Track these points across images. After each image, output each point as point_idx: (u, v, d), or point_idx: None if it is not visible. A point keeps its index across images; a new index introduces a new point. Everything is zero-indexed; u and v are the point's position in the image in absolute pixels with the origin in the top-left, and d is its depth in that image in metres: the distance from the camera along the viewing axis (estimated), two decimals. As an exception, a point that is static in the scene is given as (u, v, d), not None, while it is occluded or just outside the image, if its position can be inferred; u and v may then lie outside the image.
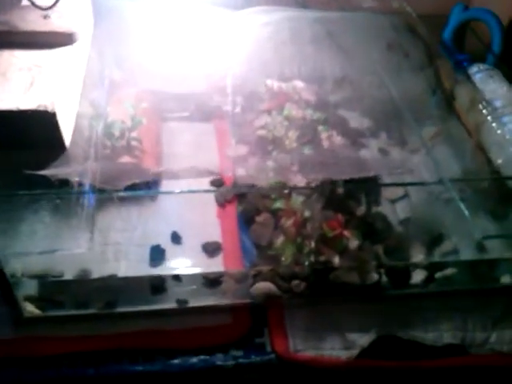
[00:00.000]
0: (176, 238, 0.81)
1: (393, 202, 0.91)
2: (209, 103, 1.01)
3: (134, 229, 0.82)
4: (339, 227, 0.76)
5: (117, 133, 0.80)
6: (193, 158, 0.93)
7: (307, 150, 0.85)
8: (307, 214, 0.79)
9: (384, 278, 0.80)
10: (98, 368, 0.71)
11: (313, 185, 0.83)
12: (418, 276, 0.82)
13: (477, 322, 0.79)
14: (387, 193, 0.92)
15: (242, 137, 0.97)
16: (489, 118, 0.78)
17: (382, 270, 0.80)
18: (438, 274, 0.82)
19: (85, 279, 0.73)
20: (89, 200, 0.63)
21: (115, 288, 0.76)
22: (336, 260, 0.76)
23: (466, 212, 0.65)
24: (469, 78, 0.84)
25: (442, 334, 0.78)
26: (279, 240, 0.78)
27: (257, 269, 0.76)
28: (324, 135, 0.92)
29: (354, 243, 0.80)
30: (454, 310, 0.80)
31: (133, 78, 0.87)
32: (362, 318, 0.78)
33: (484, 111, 0.79)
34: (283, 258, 0.77)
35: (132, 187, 0.66)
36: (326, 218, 0.77)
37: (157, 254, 0.78)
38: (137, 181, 0.66)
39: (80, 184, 0.63)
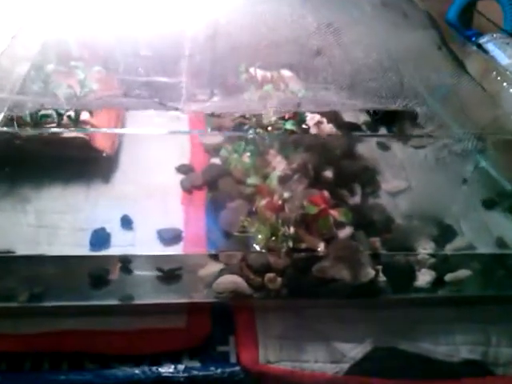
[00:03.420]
0: (126, 223, 0.67)
1: (393, 195, 0.77)
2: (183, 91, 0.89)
3: (77, 211, 0.68)
4: (324, 204, 0.61)
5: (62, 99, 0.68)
6: (159, 142, 0.80)
7: (289, 126, 0.72)
8: (286, 194, 0.65)
9: (382, 278, 0.64)
10: (7, 375, 0.55)
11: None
12: (424, 277, 0.66)
13: (502, 336, 0.62)
14: (387, 185, 0.78)
15: (219, 124, 0.85)
16: (505, 84, 0.65)
17: (380, 267, 0.64)
18: (448, 276, 0.66)
19: (3, 257, 0.58)
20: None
21: (43, 276, 0.60)
22: (321, 247, 0.61)
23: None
24: (480, 48, 0.72)
25: (457, 349, 0.61)
26: (252, 223, 0.63)
27: (220, 253, 0.61)
28: (311, 119, 0.79)
29: (344, 231, 0.65)
30: (471, 319, 0.64)
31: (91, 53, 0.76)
32: (353, 325, 0.62)
33: (499, 78, 0.66)
34: (255, 244, 0.62)
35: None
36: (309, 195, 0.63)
37: (99, 239, 0.64)
38: (49, 107, 0.53)
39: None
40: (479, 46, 0.73)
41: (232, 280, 0.61)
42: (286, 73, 0.93)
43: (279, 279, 0.62)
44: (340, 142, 0.81)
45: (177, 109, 0.56)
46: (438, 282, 0.66)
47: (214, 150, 0.82)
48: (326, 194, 0.63)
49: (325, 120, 0.84)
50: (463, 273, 0.67)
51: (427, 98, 0.54)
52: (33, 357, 0.57)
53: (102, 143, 0.74)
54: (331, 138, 0.76)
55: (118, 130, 0.76)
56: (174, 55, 0.78)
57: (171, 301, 0.61)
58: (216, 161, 0.80)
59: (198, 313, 0.61)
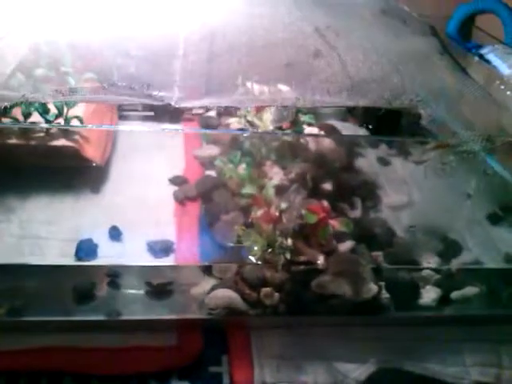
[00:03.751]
0: (115, 234, 0.63)
1: (396, 209, 0.73)
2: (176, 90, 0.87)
3: (65, 222, 0.64)
4: (324, 212, 0.58)
5: (53, 107, 0.66)
6: (152, 153, 0.77)
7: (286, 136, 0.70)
8: (284, 205, 0.61)
9: (385, 294, 0.61)
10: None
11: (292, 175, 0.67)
12: (429, 294, 0.62)
13: (513, 357, 0.59)
14: (389, 199, 0.75)
15: (215, 138, 0.82)
16: (508, 93, 0.63)
17: (383, 284, 0.61)
18: (454, 294, 0.63)
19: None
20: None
21: (24, 288, 0.57)
22: (320, 260, 0.58)
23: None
24: (481, 58, 0.71)
25: (467, 370, 0.57)
26: (247, 233, 0.59)
27: (213, 266, 0.57)
28: (307, 129, 0.77)
29: (345, 244, 0.61)
30: (481, 339, 0.60)
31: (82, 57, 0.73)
32: (356, 344, 0.58)
33: (502, 87, 0.65)
34: (250, 256, 0.58)
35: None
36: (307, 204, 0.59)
37: (86, 251, 0.60)
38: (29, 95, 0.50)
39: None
40: (480, 57, 0.71)
41: (226, 295, 0.57)
42: (283, 87, 0.91)
43: (276, 294, 0.58)
44: (340, 155, 0.79)
45: (169, 104, 0.53)
46: (443, 300, 0.62)
47: (209, 163, 0.79)
48: (325, 203, 0.60)
49: (323, 133, 0.82)
50: (470, 290, 0.64)
51: (431, 102, 0.52)
52: (7, 374, 0.52)
53: (92, 153, 0.71)
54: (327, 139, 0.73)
55: (107, 127, 0.74)
56: (167, 57, 0.75)
57: (161, 317, 0.57)
58: (211, 173, 0.77)
59: (189, 330, 0.57)
